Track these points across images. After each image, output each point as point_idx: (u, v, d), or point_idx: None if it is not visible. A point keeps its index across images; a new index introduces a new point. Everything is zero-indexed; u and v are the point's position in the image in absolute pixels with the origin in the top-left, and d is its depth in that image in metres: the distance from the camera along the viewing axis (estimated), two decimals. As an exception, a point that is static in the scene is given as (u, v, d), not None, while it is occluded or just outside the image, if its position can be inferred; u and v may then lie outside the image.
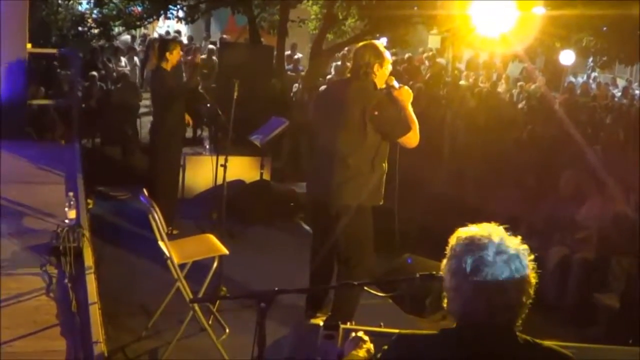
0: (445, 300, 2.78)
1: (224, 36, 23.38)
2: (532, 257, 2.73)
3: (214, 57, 19.24)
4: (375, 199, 6.29)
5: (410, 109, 6.16)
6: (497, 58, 22.71)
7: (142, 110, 15.95)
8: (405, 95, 6.17)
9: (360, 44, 6.49)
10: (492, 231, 2.73)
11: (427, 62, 22.09)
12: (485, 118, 13.88)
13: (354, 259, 6.35)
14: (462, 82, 18.60)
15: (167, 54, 8.81)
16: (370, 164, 6.14)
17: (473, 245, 2.69)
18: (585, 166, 9.82)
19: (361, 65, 6.15)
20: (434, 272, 3.32)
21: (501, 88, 19.36)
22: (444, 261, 2.78)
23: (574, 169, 9.59)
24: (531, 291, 2.70)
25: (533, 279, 2.70)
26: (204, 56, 19.55)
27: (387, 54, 6.24)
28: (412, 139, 6.15)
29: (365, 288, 6.71)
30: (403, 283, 7.15)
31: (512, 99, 17.89)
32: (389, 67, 6.23)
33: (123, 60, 19.58)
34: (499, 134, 12.89)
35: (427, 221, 9.94)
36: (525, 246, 2.74)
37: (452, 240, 2.77)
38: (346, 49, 18.64)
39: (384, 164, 6.27)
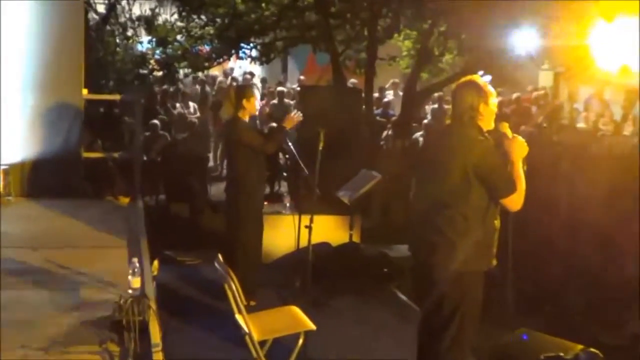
0: None
1: (302, 77, 23.46)
2: None
3: (286, 100, 19.33)
4: (487, 261, 6.18)
5: (519, 166, 6.07)
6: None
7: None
8: (518, 148, 6.07)
9: (459, 82, 6.42)
10: None
11: (535, 107, 21.68)
12: (610, 167, 13.61)
13: (450, 336, 6.23)
14: (580, 125, 18.36)
15: (245, 101, 8.86)
16: (480, 220, 6.03)
17: None
18: None
19: (465, 109, 6.09)
20: (561, 354, 3.24)
21: (627, 131, 18.98)
22: None
23: None
24: None
25: None
26: (274, 101, 19.60)
27: (490, 87, 6.16)
28: (515, 201, 6.04)
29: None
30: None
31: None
32: (494, 102, 6.17)
33: (192, 106, 19.63)
34: (629, 186, 12.61)
35: (542, 288, 9.79)
36: None
37: None
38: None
39: (496, 221, 6.16)
